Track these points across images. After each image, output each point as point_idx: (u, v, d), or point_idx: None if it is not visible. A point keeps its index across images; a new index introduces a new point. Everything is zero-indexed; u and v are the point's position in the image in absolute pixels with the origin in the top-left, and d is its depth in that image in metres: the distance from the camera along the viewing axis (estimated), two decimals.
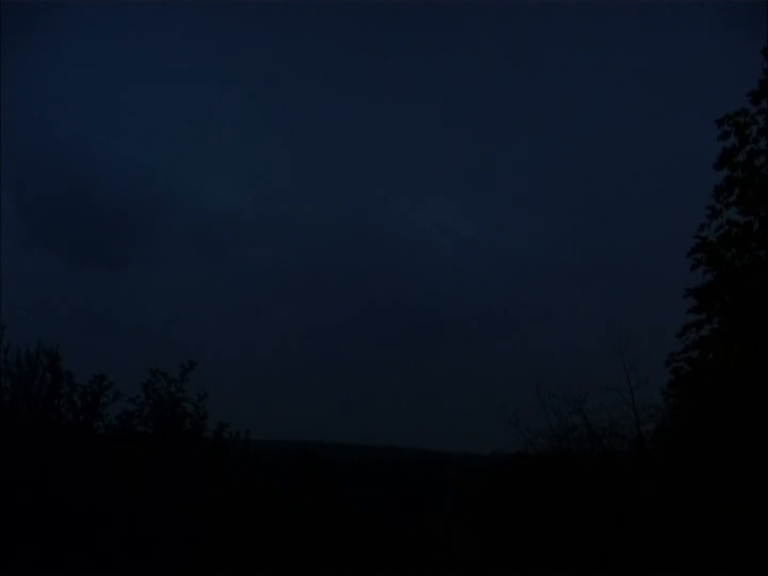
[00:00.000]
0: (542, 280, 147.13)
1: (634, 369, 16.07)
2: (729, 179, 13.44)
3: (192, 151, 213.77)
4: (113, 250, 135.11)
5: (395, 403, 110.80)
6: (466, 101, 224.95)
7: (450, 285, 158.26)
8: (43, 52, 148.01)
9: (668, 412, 16.26)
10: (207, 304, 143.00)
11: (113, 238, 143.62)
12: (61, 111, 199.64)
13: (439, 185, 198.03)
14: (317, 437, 59.18)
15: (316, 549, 19.58)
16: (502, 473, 25.51)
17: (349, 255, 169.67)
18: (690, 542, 13.10)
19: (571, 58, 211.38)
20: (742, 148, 13.32)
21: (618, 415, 16.52)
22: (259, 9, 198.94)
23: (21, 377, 15.50)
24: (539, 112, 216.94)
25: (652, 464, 16.02)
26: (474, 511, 29.24)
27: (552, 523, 17.61)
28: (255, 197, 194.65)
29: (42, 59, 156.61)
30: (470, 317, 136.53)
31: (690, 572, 12.81)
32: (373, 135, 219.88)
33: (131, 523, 14.56)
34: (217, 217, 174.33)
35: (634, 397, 16.17)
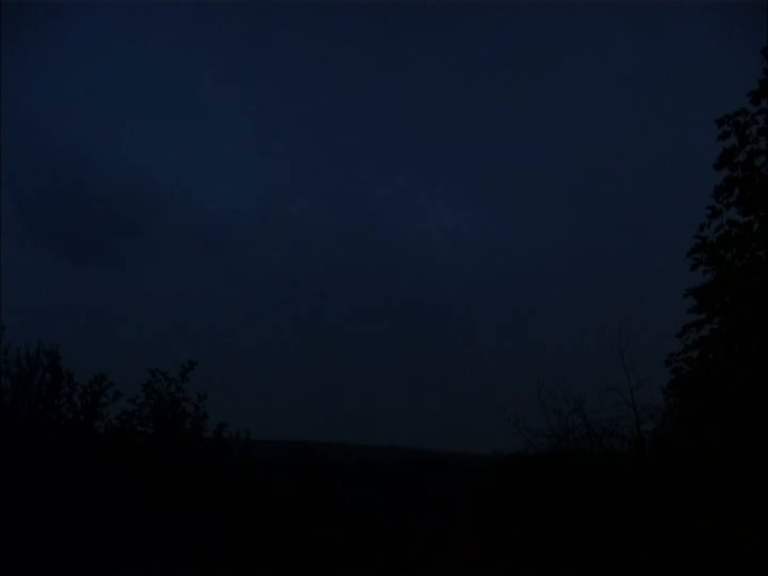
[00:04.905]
0: (542, 280, 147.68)
1: (634, 369, 16.00)
2: (729, 179, 13.43)
3: (192, 152, 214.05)
4: (113, 249, 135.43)
5: (395, 403, 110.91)
6: (467, 102, 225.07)
7: (450, 285, 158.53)
8: (43, 53, 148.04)
9: (668, 412, 16.25)
10: (206, 303, 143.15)
11: (113, 238, 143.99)
12: (61, 111, 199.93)
13: (439, 186, 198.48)
14: (317, 437, 59.29)
15: (315, 549, 19.58)
16: (501, 473, 25.48)
17: (349, 255, 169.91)
18: (690, 542, 13.10)
19: (570, 58, 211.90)
20: (742, 148, 13.31)
21: (618, 415, 16.47)
22: (259, 10, 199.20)
23: (21, 377, 15.49)
24: (539, 113, 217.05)
25: (652, 464, 16.00)
26: (473, 511, 29.23)
27: (552, 523, 17.59)
28: (255, 198, 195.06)
29: (42, 59, 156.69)
30: (470, 317, 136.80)
31: (690, 572, 12.80)
32: (373, 136, 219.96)
33: (131, 523, 14.56)
34: (217, 218, 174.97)
35: (634, 397, 16.11)
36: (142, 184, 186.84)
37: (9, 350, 15.52)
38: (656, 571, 13.60)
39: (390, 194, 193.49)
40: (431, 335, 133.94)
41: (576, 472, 17.25)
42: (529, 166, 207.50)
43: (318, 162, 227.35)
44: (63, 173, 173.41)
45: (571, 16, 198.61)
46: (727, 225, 13.44)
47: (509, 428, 17.46)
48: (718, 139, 13.54)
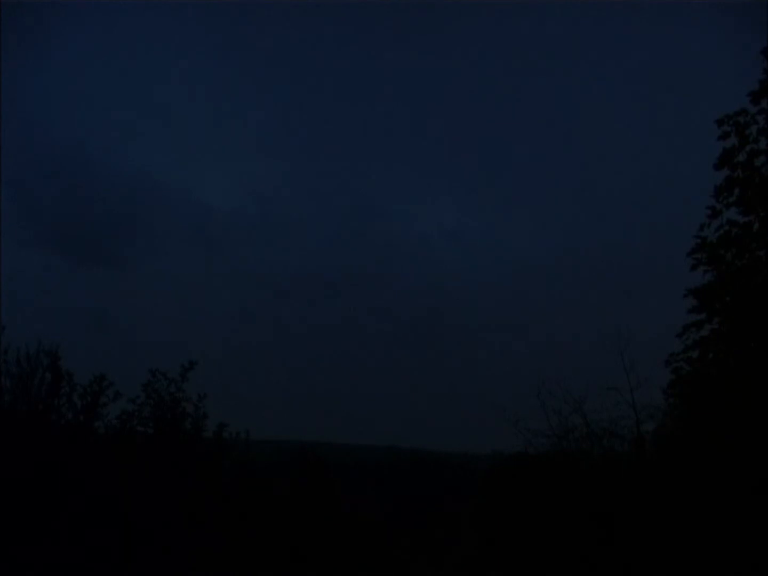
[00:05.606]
0: (542, 280, 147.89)
1: (634, 369, 16.00)
2: (729, 179, 13.42)
3: (192, 152, 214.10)
4: (113, 249, 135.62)
5: (395, 403, 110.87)
6: (466, 102, 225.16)
7: (450, 285, 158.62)
8: (42, 52, 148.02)
9: (668, 412, 16.25)
10: (206, 303, 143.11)
11: (113, 238, 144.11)
12: (61, 111, 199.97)
13: (439, 186, 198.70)
14: (317, 437, 59.30)
15: (316, 549, 19.58)
16: (501, 473, 25.49)
17: (349, 255, 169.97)
18: (690, 542, 13.09)
19: (570, 58, 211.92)
20: (742, 148, 13.30)
21: (618, 415, 16.47)
22: (259, 11, 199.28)
23: (21, 377, 15.48)
24: (539, 113, 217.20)
25: (652, 464, 16.00)
26: (474, 511, 29.23)
27: (552, 523, 17.59)
28: (255, 197, 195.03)
29: (42, 59, 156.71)
30: (470, 317, 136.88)
31: (690, 572, 12.80)
32: (373, 135, 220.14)
33: (131, 522, 14.56)
34: (217, 217, 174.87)
35: (634, 397, 16.11)
36: (142, 184, 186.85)
37: (9, 350, 15.53)
38: (656, 571, 13.60)
39: (390, 194, 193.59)
40: (431, 335, 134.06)
41: (576, 472, 17.24)
42: (530, 166, 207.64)
43: (318, 162, 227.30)
44: (63, 173, 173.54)
45: (570, 18, 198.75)
46: (727, 225, 13.43)
47: (509, 428, 17.45)
48: (718, 139, 13.53)
